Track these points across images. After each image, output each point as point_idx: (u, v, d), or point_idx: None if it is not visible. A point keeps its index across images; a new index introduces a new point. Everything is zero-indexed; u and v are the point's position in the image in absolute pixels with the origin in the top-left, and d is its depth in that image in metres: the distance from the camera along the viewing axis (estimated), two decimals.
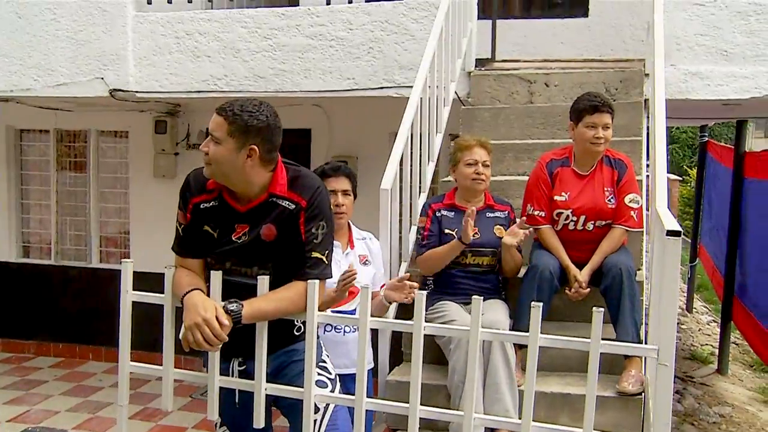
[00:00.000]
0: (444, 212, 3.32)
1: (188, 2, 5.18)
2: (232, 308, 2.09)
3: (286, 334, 2.37)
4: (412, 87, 3.75)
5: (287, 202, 2.25)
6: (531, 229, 3.30)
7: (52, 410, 5.55)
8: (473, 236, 3.19)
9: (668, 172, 3.13)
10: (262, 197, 2.26)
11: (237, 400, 2.36)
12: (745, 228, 6.46)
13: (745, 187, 6.52)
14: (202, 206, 2.29)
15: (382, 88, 4.77)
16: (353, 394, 2.13)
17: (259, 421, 2.20)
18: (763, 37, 4.19)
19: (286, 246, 2.25)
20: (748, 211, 6.42)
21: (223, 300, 2.13)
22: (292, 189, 2.26)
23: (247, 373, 2.35)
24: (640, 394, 2.90)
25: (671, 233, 2.01)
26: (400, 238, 3.53)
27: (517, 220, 3.41)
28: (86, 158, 7.03)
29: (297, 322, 2.40)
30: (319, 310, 2.15)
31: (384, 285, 3.05)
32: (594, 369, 1.87)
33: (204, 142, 2.23)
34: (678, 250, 2.00)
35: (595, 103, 3.21)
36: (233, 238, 2.27)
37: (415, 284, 2.95)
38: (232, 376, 2.36)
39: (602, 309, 1.88)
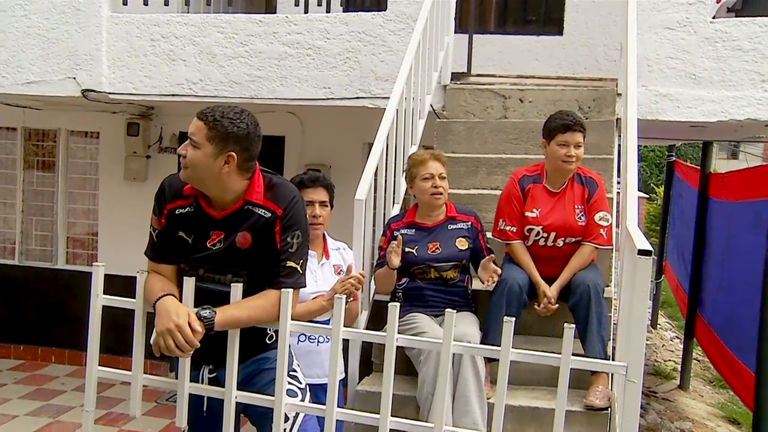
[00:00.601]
0: (403, 230, 3.31)
1: (165, 5, 5.14)
2: (205, 314, 2.08)
3: (257, 342, 2.37)
4: (387, 98, 3.77)
5: (263, 211, 2.25)
6: (501, 243, 3.35)
7: (10, 414, 5.42)
8: (434, 251, 3.22)
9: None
10: (237, 204, 2.26)
11: (205, 408, 2.35)
12: (709, 247, 6.61)
13: (709, 207, 6.68)
14: (177, 212, 2.27)
15: (357, 98, 4.79)
16: (324, 404, 2.13)
17: (228, 429, 2.18)
18: (729, 64, 4.30)
19: (260, 254, 2.25)
20: (711, 231, 6.57)
21: (195, 306, 2.12)
22: (268, 197, 2.26)
23: (218, 381, 2.34)
24: (606, 409, 2.94)
25: (642, 252, 2.05)
26: (374, 248, 3.54)
27: (488, 234, 3.45)
28: (55, 158, 6.91)
29: (269, 330, 2.40)
30: (301, 319, 2.14)
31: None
32: (564, 384, 1.90)
33: (182, 145, 2.22)
34: (648, 269, 2.05)
35: (567, 122, 3.26)
36: (208, 245, 2.26)
37: (362, 274, 2.89)
38: (202, 383, 2.34)
39: (573, 326, 1.91)
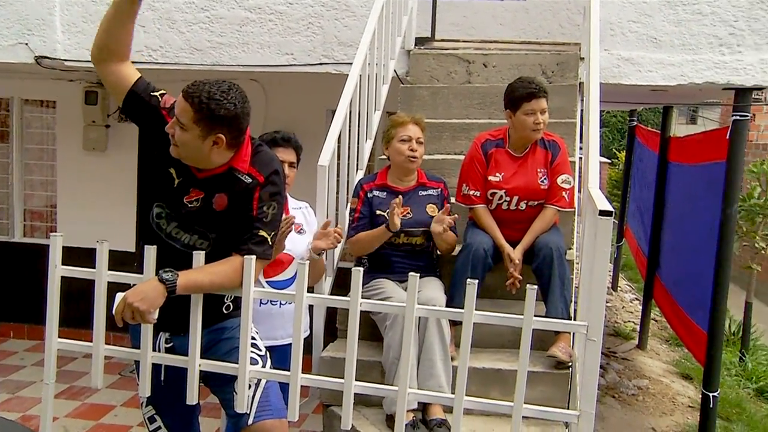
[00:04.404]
0: (376, 192, 3.31)
1: None
2: (166, 277, 2.06)
3: (213, 312, 2.34)
4: (351, 64, 3.72)
5: (245, 176, 2.25)
6: (465, 208, 3.35)
7: None
8: (405, 216, 3.21)
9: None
10: (221, 168, 2.25)
11: (162, 378, 2.33)
12: (667, 209, 6.73)
13: (668, 170, 6.79)
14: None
15: (321, 64, 4.73)
16: (288, 365, 2.13)
17: (192, 397, 2.18)
18: (689, 27, 4.34)
19: (233, 219, 2.25)
20: (669, 193, 6.69)
21: (158, 267, 2.10)
22: (253, 164, 2.27)
23: (174, 350, 2.33)
24: (568, 366, 3.00)
25: (603, 213, 2.08)
26: (337, 214, 3.53)
27: (452, 199, 3.45)
28: (9, 128, 6.70)
29: (226, 300, 2.39)
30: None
31: None
32: (526, 344, 1.93)
33: (170, 123, 2.18)
34: (609, 229, 2.08)
35: (531, 90, 3.25)
36: (185, 201, 2.25)
37: (339, 229, 3.04)
38: (159, 352, 2.32)
39: (535, 287, 1.94)
